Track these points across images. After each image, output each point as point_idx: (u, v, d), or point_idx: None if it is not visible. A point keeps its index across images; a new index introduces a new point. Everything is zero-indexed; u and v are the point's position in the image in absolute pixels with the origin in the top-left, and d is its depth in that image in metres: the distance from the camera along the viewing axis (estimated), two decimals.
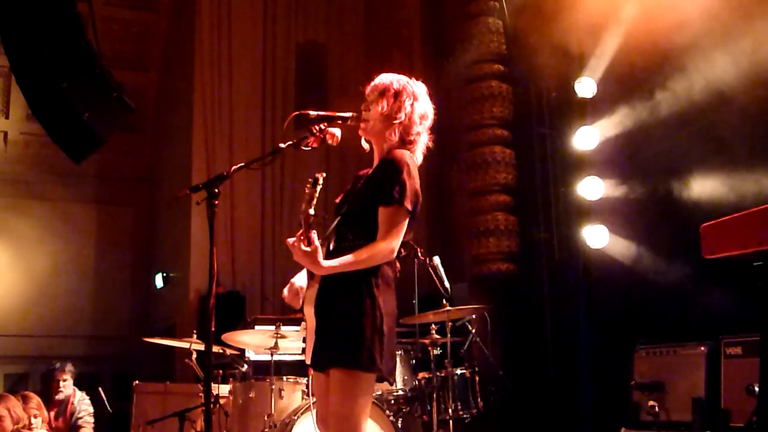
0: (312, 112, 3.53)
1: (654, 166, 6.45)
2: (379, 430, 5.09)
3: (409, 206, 3.28)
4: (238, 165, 3.53)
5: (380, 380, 3.34)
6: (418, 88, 3.53)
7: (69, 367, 7.28)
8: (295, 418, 5.00)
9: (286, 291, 3.57)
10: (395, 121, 3.42)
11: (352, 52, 11.14)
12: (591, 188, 7.04)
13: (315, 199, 3.23)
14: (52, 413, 6.92)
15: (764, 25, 4.86)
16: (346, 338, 3.22)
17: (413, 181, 3.32)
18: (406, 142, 3.44)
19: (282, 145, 3.52)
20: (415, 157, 3.45)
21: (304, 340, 3.51)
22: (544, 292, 7.46)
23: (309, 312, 3.41)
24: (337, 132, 3.50)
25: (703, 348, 5.24)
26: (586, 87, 6.98)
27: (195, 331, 5.78)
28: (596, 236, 6.95)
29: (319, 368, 3.37)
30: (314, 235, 3.21)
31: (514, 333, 7.35)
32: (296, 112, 3.58)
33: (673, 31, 5.58)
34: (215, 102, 10.72)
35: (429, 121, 3.52)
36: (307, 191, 3.23)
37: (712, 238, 2.95)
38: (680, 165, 6.18)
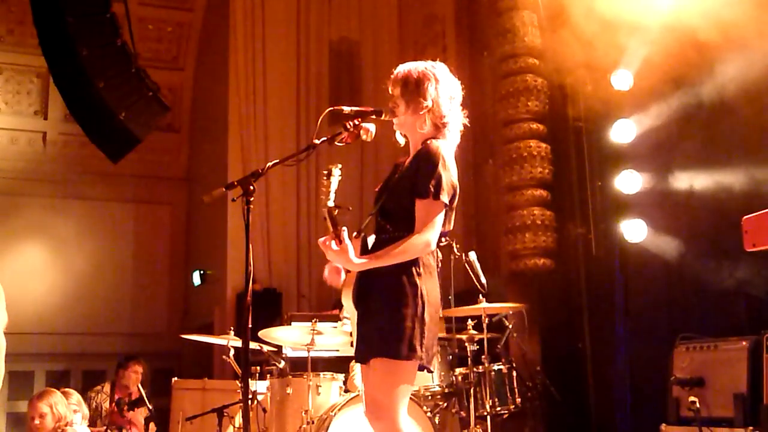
0: (346, 108, 3.53)
1: (692, 159, 6.36)
2: (417, 426, 5.08)
3: (445, 199, 3.28)
4: (273, 162, 3.54)
5: (421, 369, 3.33)
6: (439, 69, 3.52)
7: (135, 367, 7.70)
8: (333, 414, 5.02)
9: (326, 272, 3.59)
10: (422, 111, 3.41)
11: (385, 49, 11.12)
12: (628, 182, 6.96)
13: (331, 191, 3.26)
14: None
15: None
16: (387, 328, 3.24)
17: (449, 173, 3.32)
18: (439, 127, 3.43)
19: (316, 141, 3.53)
20: (451, 141, 3.45)
21: (352, 335, 3.53)
22: (582, 287, 7.39)
23: (348, 305, 3.42)
24: (371, 127, 3.50)
25: (744, 343, 5.15)
26: (622, 79, 6.90)
27: (232, 328, 5.82)
28: (634, 231, 6.87)
29: (362, 360, 3.38)
30: (344, 231, 3.22)
31: (552, 329, 7.29)
32: (330, 108, 3.59)
33: (710, 24, 5.49)
34: (250, 100, 10.78)
35: (458, 99, 3.51)
36: (323, 184, 3.27)
37: (754, 231, 2.91)
38: (719, 157, 6.10)
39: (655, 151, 6.83)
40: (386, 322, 3.25)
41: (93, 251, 12.23)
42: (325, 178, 3.28)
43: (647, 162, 6.90)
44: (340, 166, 3.34)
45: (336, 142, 3.53)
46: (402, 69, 3.53)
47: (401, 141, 3.59)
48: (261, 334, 5.48)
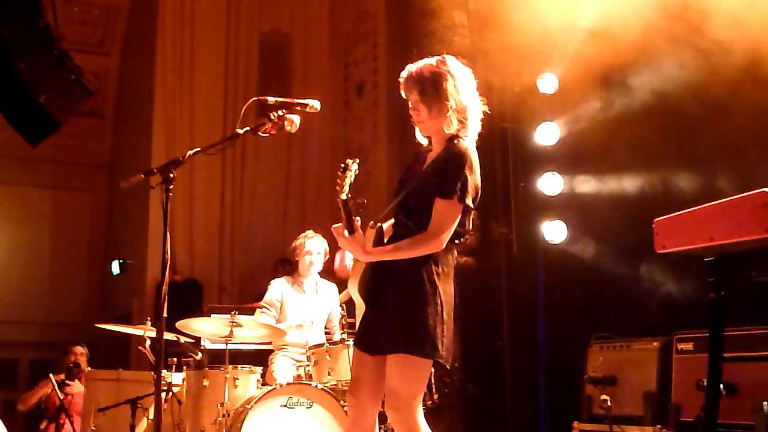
0: (271, 99, 3.53)
1: (612, 163, 6.50)
2: (332, 418, 5.09)
3: (470, 202, 3.37)
4: (194, 150, 3.50)
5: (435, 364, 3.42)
6: (450, 64, 3.54)
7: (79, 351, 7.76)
8: (249, 407, 4.98)
9: (337, 263, 3.64)
10: (448, 113, 3.41)
11: (316, 42, 11.10)
12: (550, 184, 7.08)
13: (346, 185, 3.31)
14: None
15: (722, 21, 4.92)
16: (410, 325, 3.28)
17: (475, 176, 3.40)
18: (462, 121, 3.44)
19: (239, 131, 3.51)
20: (473, 134, 3.50)
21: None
22: (502, 286, 7.48)
23: (354, 292, 3.44)
24: (296, 119, 3.51)
25: (655, 343, 5.30)
26: (548, 83, 7.01)
27: (149, 318, 5.72)
28: (554, 232, 6.99)
29: (378, 352, 3.39)
30: (358, 221, 3.29)
31: (471, 326, 7.35)
32: (254, 98, 3.57)
33: (634, 28, 5.62)
34: (177, 88, 10.62)
35: (474, 88, 3.54)
36: (339, 177, 3.33)
37: (664, 233, 2.98)
38: (637, 161, 6.25)
39: (576, 154, 6.96)
40: (409, 319, 3.29)
41: (9, 237, 11.92)
42: (341, 171, 3.32)
43: (569, 165, 7.04)
44: (357, 161, 3.38)
45: (260, 132, 3.52)
46: (412, 69, 3.52)
47: (423, 141, 3.59)
48: (179, 325, 5.40)
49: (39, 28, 7.16)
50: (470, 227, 3.53)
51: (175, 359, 5.69)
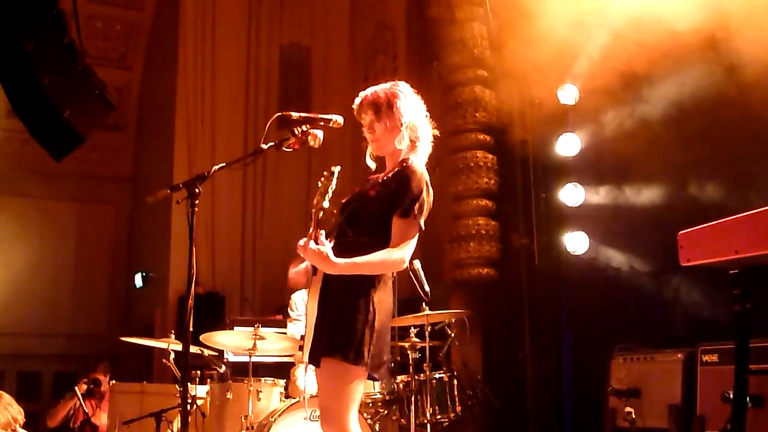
0: (294, 114, 3.54)
1: (634, 173, 6.48)
2: None
3: (421, 223, 3.40)
4: (219, 165, 3.53)
5: (370, 378, 3.39)
6: (404, 86, 3.60)
7: (102, 367, 7.66)
8: (272, 419, 4.99)
9: (291, 272, 3.62)
10: (401, 127, 3.48)
11: (336, 55, 11.14)
12: (572, 195, 7.06)
13: (329, 192, 3.32)
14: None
15: (746, 32, 4.90)
16: (338, 331, 3.29)
17: (429, 199, 3.45)
18: (414, 141, 3.52)
19: (263, 146, 3.53)
20: (424, 157, 3.55)
21: (302, 338, 3.54)
22: (524, 297, 7.47)
23: (312, 306, 3.43)
24: (320, 134, 3.52)
25: (680, 355, 5.26)
26: (568, 94, 7.01)
27: (173, 331, 5.76)
28: (576, 242, 6.97)
29: (314, 362, 3.40)
30: (322, 234, 3.28)
31: (493, 338, 7.36)
32: (279, 114, 3.58)
33: (657, 38, 5.61)
34: (198, 102, 10.71)
35: (424, 112, 3.60)
36: (321, 184, 3.33)
37: (689, 246, 2.97)
38: (660, 172, 6.22)
39: (598, 165, 6.95)
40: (337, 324, 3.30)
41: (33, 250, 12.02)
42: (325, 178, 3.34)
43: (590, 175, 7.02)
44: (339, 167, 3.39)
45: (283, 148, 3.53)
46: (366, 93, 3.57)
47: (372, 165, 3.62)
48: (202, 338, 5.43)
49: (63, 44, 7.26)
50: None
51: (198, 372, 5.73)
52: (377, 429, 5.41)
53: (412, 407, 5.54)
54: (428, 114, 3.62)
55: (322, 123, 3.53)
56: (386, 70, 10.13)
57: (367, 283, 3.34)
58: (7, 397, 6.08)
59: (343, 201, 3.60)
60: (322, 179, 3.34)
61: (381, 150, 3.57)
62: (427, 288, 5.58)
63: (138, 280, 11.76)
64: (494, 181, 7.70)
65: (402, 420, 5.65)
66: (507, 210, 7.74)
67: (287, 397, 5.55)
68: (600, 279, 6.74)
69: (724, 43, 5.11)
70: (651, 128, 6.19)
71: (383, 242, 3.35)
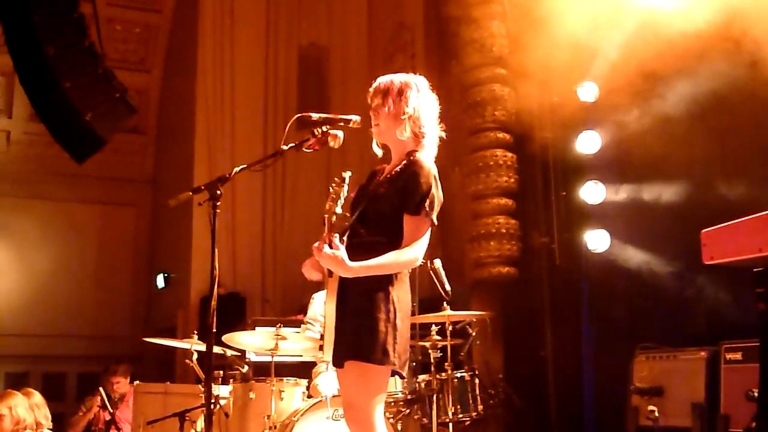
0: (314, 115, 3.55)
1: (655, 171, 6.44)
2: None
3: (435, 220, 3.41)
4: (240, 167, 3.54)
5: (393, 374, 3.40)
6: (420, 81, 3.59)
7: (122, 369, 7.68)
8: (295, 419, 5.01)
9: (305, 268, 3.61)
10: (403, 116, 3.46)
11: (354, 55, 11.15)
12: (592, 192, 7.04)
13: (341, 198, 3.32)
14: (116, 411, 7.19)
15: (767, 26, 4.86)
16: (361, 333, 3.29)
17: (439, 193, 3.45)
18: (419, 135, 3.50)
19: (284, 147, 3.54)
20: (430, 154, 3.54)
21: (322, 337, 3.54)
22: (545, 296, 7.45)
23: (330, 308, 3.43)
24: (340, 134, 3.52)
25: (703, 353, 5.24)
26: (588, 91, 6.98)
27: (196, 332, 5.79)
28: (597, 240, 6.95)
29: (338, 364, 3.41)
30: (336, 237, 3.27)
31: (515, 337, 7.34)
32: (299, 115, 3.60)
33: (677, 34, 5.57)
34: (218, 103, 10.76)
35: (436, 112, 3.58)
36: (332, 190, 3.32)
37: (712, 244, 2.96)
38: (682, 169, 6.18)
39: (619, 162, 6.92)
40: (360, 326, 3.30)
41: (56, 252, 12.12)
42: (336, 184, 3.33)
43: (611, 173, 6.99)
44: (350, 173, 3.39)
45: (303, 149, 3.54)
46: (384, 79, 3.58)
47: (378, 152, 3.61)
48: (225, 338, 5.45)
49: (84, 48, 7.33)
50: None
51: (221, 372, 5.75)
52: (399, 428, 5.42)
53: (434, 406, 5.54)
54: (441, 115, 3.61)
55: (341, 123, 3.54)
56: (404, 69, 9.98)
57: (385, 281, 3.34)
58: (38, 398, 6.15)
59: (352, 196, 3.60)
60: (333, 185, 3.34)
61: (381, 136, 3.56)
62: (447, 287, 5.58)
63: (160, 281, 11.83)
64: (514, 180, 7.69)
65: (424, 419, 5.66)
66: (527, 208, 7.72)
67: (309, 396, 5.56)
68: (621, 277, 6.71)
69: (744, 38, 5.08)
70: (672, 125, 6.14)
71: (396, 240, 3.36)
